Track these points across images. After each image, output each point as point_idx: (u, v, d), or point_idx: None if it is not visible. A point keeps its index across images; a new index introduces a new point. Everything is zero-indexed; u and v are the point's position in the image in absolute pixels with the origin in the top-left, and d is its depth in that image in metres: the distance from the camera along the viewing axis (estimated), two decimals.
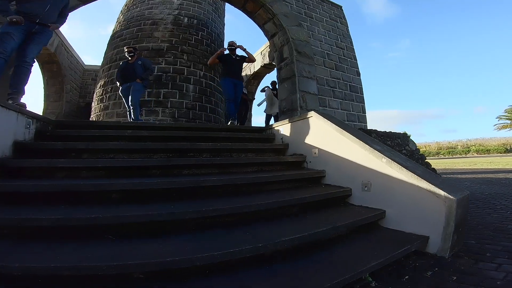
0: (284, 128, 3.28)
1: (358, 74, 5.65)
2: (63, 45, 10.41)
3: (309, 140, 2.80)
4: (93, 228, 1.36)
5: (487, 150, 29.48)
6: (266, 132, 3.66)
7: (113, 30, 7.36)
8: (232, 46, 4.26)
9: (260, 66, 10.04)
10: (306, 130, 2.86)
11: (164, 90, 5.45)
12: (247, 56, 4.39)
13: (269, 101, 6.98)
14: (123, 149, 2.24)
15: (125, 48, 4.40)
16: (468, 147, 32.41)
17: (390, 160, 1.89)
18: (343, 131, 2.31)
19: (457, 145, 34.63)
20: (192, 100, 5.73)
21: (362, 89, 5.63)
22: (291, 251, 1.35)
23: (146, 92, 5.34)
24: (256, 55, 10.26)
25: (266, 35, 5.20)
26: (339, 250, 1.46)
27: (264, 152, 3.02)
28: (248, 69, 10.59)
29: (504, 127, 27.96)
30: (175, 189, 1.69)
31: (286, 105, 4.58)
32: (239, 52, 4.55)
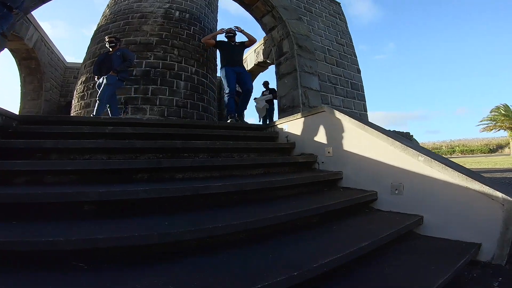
0: (289, 125, 2.95)
1: (359, 71, 5.45)
2: (43, 40, 9.72)
3: (321, 138, 2.49)
4: (55, 254, 0.97)
5: (471, 151, 30.45)
6: (268, 130, 3.32)
7: (98, 24, 6.84)
8: (230, 33, 3.84)
9: (253, 64, 9.75)
10: (317, 127, 2.54)
11: (153, 86, 5.00)
12: (247, 39, 3.86)
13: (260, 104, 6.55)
14: (102, 148, 1.83)
15: (106, 37, 3.94)
16: (453, 148, 33.37)
17: (429, 158, 1.60)
18: (366, 126, 2.01)
19: (442, 146, 35.57)
20: (183, 98, 5.31)
21: (363, 87, 5.43)
22: (331, 274, 1.02)
23: (133, 88, 4.89)
24: (250, 53, 9.98)
25: (263, 29, 4.91)
26: (387, 267, 1.13)
27: (268, 152, 2.68)
28: None
29: (489, 129, 28.89)
30: (168, 199, 1.31)
31: (287, 102, 4.28)
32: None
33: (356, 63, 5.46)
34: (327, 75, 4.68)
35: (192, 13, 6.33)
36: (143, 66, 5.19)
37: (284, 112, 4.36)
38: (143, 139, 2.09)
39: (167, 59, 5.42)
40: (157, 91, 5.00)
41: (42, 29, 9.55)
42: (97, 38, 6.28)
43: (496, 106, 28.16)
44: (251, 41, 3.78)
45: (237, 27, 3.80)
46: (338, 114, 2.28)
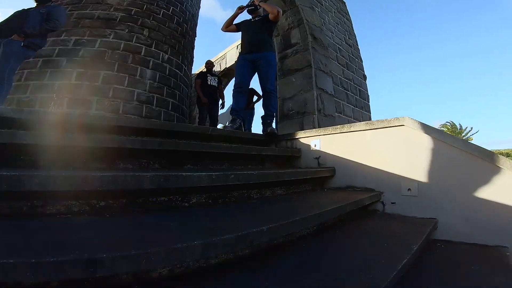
0: (323, 141, 1.96)
1: (365, 78, 4.78)
2: None
3: (391, 165, 1.54)
4: None
5: None
6: (282, 144, 2.30)
7: None
8: (251, 6, 2.58)
9: (234, 62, 8.72)
10: (384, 148, 1.60)
11: (106, 72, 3.61)
12: (267, 12, 2.52)
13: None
14: None
15: None
16: None
17: None
18: (499, 157, 1.15)
19: None
20: (148, 91, 3.99)
21: (369, 96, 4.78)
22: None
23: (76, 73, 3.44)
24: (231, 48, 8.97)
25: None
26: None
27: (299, 184, 1.65)
28: (218, 65, 9.20)
29: None
30: None
31: (294, 107, 3.32)
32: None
33: (362, 68, 4.79)
34: (340, 78, 3.87)
35: None
36: (96, 46, 3.77)
37: (289, 119, 3.39)
38: (43, 160, 0.86)
39: (132, 40, 4.07)
40: (112, 78, 3.62)
41: None
42: None
43: (444, 123, 31.53)
44: (273, 13, 2.46)
45: (252, 1, 2.65)
46: (437, 133, 1.38)
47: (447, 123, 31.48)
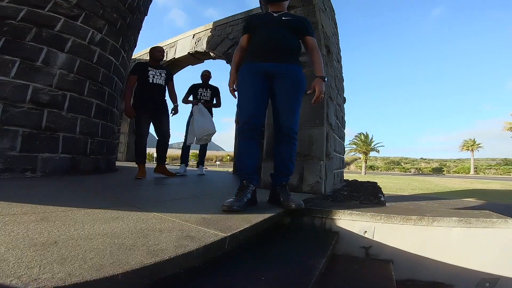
0: (381, 229, 1.27)
1: (345, 101, 4.39)
2: None
3: (472, 261, 1.30)
4: None
5: None
6: (304, 220, 1.45)
7: None
8: None
9: (186, 53, 7.12)
10: (471, 245, 1.28)
11: None
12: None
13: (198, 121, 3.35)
14: None
15: None
16: None
17: None
18: None
19: None
20: (57, 87, 2.36)
21: (345, 122, 4.41)
22: None
23: None
24: (187, 36, 7.29)
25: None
26: None
27: None
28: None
29: (350, 151, 37.95)
30: None
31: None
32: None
33: (343, 89, 4.36)
34: (335, 103, 3.24)
35: None
36: None
37: None
38: None
39: (45, 7, 2.33)
40: None
41: None
42: None
43: (359, 134, 37.49)
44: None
45: None
46: None
47: (361, 134, 37.43)
